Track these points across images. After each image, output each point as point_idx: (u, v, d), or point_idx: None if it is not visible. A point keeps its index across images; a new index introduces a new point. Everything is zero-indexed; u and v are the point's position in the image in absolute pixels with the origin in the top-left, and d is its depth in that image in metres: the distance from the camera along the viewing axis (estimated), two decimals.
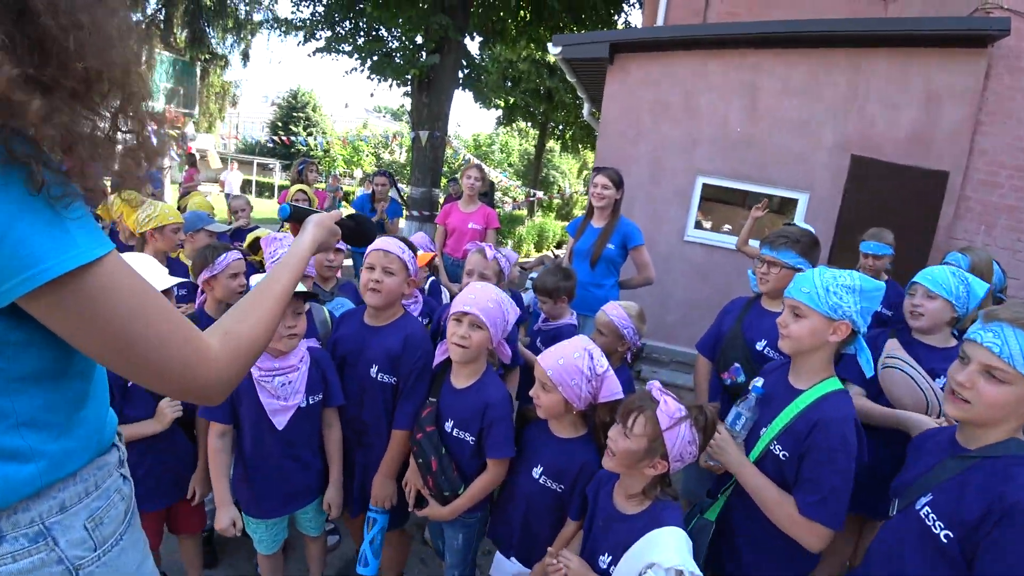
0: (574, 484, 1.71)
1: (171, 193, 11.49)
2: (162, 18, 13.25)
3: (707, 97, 5.64)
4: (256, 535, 2.04)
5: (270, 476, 1.93)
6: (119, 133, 0.77)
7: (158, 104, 12.08)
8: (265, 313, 0.97)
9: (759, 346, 2.19)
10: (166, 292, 1.97)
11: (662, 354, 6.05)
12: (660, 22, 6.89)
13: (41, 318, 0.71)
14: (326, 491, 2.04)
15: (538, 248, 15.60)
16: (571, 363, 1.63)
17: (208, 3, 13.43)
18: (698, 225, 5.96)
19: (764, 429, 1.63)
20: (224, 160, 16.18)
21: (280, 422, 1.89)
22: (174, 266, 2.93)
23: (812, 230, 3.22)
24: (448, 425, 1.85)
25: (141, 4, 13.23)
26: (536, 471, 1.76)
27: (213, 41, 14.23)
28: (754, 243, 5.50)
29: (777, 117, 5.46)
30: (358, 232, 1.49)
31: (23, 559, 0.77)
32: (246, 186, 17.09)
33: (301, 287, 1.88)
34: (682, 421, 1.41)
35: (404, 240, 2.09)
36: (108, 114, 0.75)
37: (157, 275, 1.94)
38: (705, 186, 5.82)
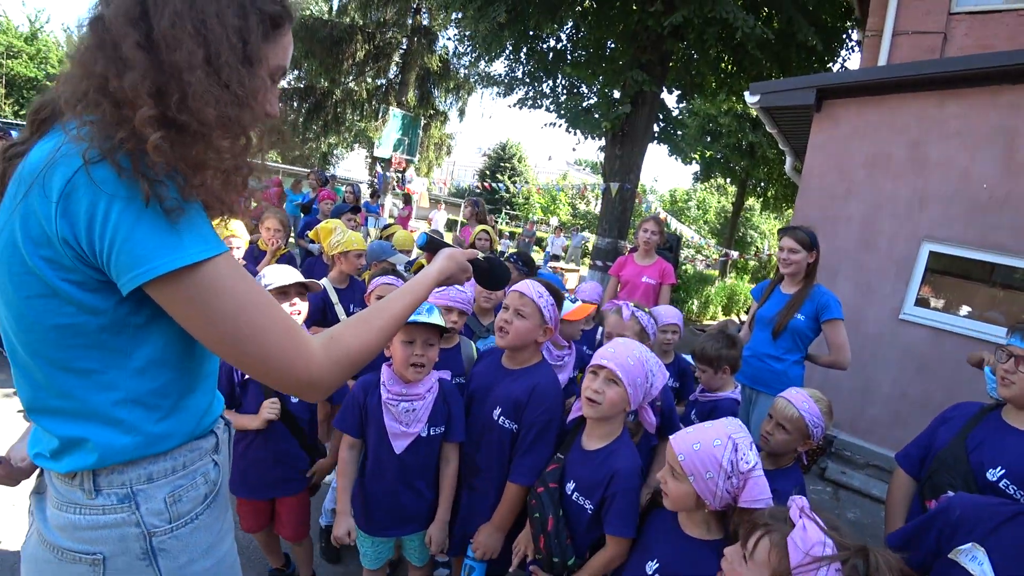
0: None
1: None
2: (398, 82, 15.78)
3: (942, 147, 4.62)
4: (362, 548, 2.10)
5: (382, 496, 1.98)
6: (234, 168, 0.88)
7: (387, 151, 14.23)
8: (374, 329, 1.01)
9: (992, 475, 1.59)
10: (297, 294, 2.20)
11: (857, 453, 4.97)
12: (882, 63, 5.96)
13: (162, 306, 0.83)
14: (431, 525, 2.02)
15: (726, 312, 14.40)
16: (709, 451, 1.34)
17: (435, 68, 15.64)
18: (921, 302, 4.86)
19: None
20: (437, 201, 18.35)
21: (399, 446, 1.93)
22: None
23: None
24: (569, 487, 1.71)
25: (383, 72, 16.07)
26: (650, 566, 1.47)
27: (436, 100, 16.53)
28: (995, 330, 4.31)
29: None
30: (489, 272, 1.46)
31: (110, 514, 0.89)
32: (451, 225, 19.05)
33: (439, 319, 1.92)
34: (825, 564, 1.02)
35: (549, 285, 2.01)
36: (227, 153, 0.86)
37: (288, 275, 2.18)
38: (933, 255, 4.74)
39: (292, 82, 17.29)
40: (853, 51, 8.96)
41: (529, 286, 1.93)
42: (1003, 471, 1.55)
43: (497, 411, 1.92)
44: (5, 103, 27.00)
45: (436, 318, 1.90)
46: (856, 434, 5.05)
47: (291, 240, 4.96)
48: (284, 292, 2.13)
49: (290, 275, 2.17)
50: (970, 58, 4.37)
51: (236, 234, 3.41)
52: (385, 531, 2.02)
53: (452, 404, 2.00)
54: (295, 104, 17.07)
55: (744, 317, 13.56)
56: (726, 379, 2.48)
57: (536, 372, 1.96)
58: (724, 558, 1.18)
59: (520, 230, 17.73)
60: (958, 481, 1.63)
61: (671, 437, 1.43)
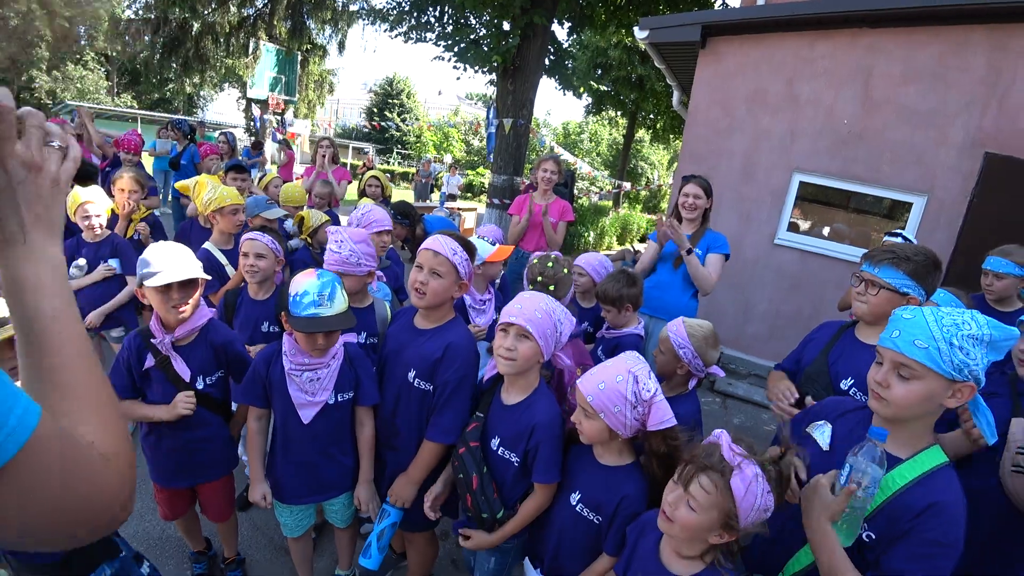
0: (613, 517, 1.54)
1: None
2: (267, 11, 14.09)
3: (812, 85, 5.03)
4: (282, 519, 2.10)
5: (295, 466, 1.97)
6: None
7: (262, 92, 12.88)
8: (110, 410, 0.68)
9: (844, 384, 1.84)
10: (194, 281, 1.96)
11: (740, 366, 5.59)
12: (761, 2, 6.27)
13: None
14: (356, 487, 2.04)
15: (620, 241, 15.12)
16: (613, 387, 1.45)
17: None
18: (792, 227, 5.41)
19: None
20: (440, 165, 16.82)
21: (306, 416, 1.91)
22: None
23: (914, 242, 2.77)
24: (494, 443, 1.74)
25: (250, 1, 14.18)
26: (574, 497, 1.61)
27: (313, 32, 14.99)
28: (852, 251, 4.93)
29: (895, 107, 4.74)
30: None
31: None
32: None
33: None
34: (759, 482, 1.19)
35: (460, 239, 1.94)
36: None
37: (189, 265, 1.93)
38: (803, 185, 5.25)
39: (140, 12, 14.58)
40: None
41: (442, 243, 1.86)
42: (852, 381, 1.82)
43: (412, 373, 1.90)
44: None
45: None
46: (739, 349, 5.66)
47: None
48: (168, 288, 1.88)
49: (182, 267, 1.89)
50: (838, 0, 4.69)
51: (92, 200, 3.00)
52: (302, 500, 2.02)
53: (359, 368, 1.98)
54: (146, 38, 14.69)
55: (639, 246, 14.36)
56: (630, 316, 2.61)
57: (448, 331, 1.93)
58: (665, 501, 1.29)
59: (415, 170, 17.07)
60: (821, 391, 1.88)
61: (578, 381, 1.53)
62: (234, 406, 2.23)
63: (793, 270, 5.36)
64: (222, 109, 34.03)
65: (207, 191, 2.94)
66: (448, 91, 53.41)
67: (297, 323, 1.79)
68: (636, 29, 5.63)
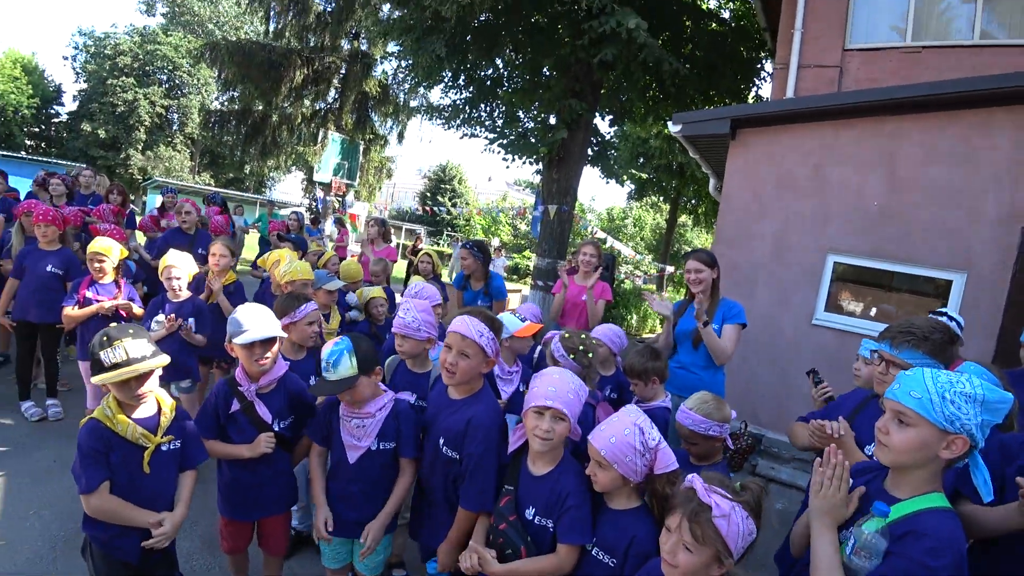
0: (625, 557, 1.64)
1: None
2: (336, 106, 15.78)
3: (839, 169, 5.24)
4: (324, 548, 2.24)
5: (339, 499, 2.16)
6: None
7: (327, 176, 14.13)
8: None
9: (867, 451, 1.92)
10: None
11: (783, 449, 5.41)
12: (790, 93, 6.64)
13: None
14: (371, 521, 2.13)
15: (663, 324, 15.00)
16: (622, 439, 1.63)
17: (374, 93, 15.76)
18: (833, 307, 5.41)
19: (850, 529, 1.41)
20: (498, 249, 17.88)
21: (352, 456, 2.12)
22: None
23: (961, 322, 2.79)
24: (529, 513, 1.83)
25: (322, 96, 16.01)
26: (589, 544, 1.73)
27: (376, 124, 16.62)
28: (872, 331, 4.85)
29: (925, 187, 4.86)
30: None
31: None
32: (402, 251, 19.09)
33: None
34: (737, 512, 1.33)
35: (487, 318, 2.13)
36: None
37: (261, 322, 2.19)
38: (838, 265, 5.31)
39: (227, 103, 16.82)
40: (766, 80, 9.84)
41: (469, 325, 2.02)
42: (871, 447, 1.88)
43: (441, 440, 2.07)
44: None
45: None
46: (780, 431, 5.49)
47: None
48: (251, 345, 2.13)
49: (265, 327, 2.17)
50: (858, 93, 5.01)
51: (176, 265, 3.43)
52: (339, 532, 2.15)
53: (403, 423, 2.16)
54: (232, 126, 16.64)
55: None
56: (656, 389, 2.72)
57: (474, 403, 2.06)
58: (663, 549, 1.41)
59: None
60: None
61: (590, 437, 1.70)
62: None
63: (833, 350, 5.29)
64: (287, 189, 37.07)
65: (284, 265, 3.37)
66: (497, 177, 56.21)
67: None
68: (670, 123, 6.06)
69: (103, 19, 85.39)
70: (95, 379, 1.81)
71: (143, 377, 1.84)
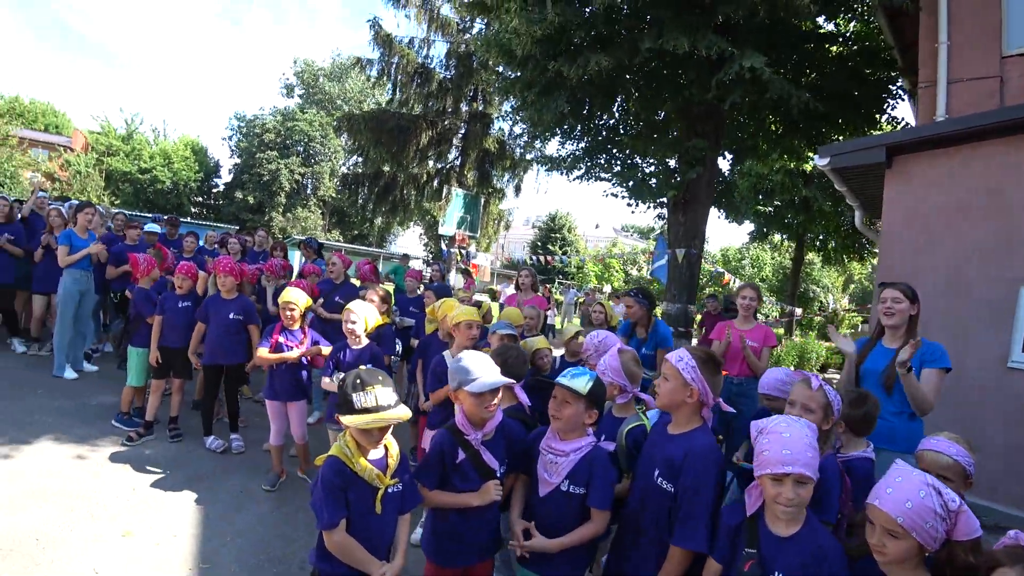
0: None
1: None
2: (459, 164, 16.98)
3: (1022, 191, 4.67)
4: None
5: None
6: None
7: (451, 229, 15.07)
8: None
9: None
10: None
11: (982, 515, 4.68)
12: (941, 112, 6.06)
13: None
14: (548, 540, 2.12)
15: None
16: (920, 503, 1.44)
17: (492, 149, 16.77)
18: None
19: None
20: (493, 275, 19.01)
21: (542, 491, 2.21)
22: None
23: None
24: None
25: (444, 155, 17.38)
26: None
27: (494, 178, 17.60)
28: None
29: None
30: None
31: None
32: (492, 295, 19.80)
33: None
34: None
35: (695, 351, 2.13)
36: None
37: (490, 369, 2.23)
38: None
39: (354, 167, 18.67)
40: (899, 100, 9.05)
41: (672, 353, 2.14)
42: None
43: (656, 472, 2.05)
44: (104, 194, 31.06)
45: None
46: (975, 494, 4.77)
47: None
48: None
49: (496, 375, 2.19)
50: None
51: (354, 311, 3.76)
52: (525, 563, 2.17)
53: (596, 470, 2.13)
54: (365, 187, 18.48)
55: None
56: (858, 439, 2.51)
57: (692, 437, 2.05)
58: None
59: (582, 299, 18.20)
60: None
61: (876, 503, 1.52)
62: None
63: None
64: (406, 243, 39.97)
65: (453, 311, 3.62)
66: (604, 223, 56.49)
67: None
68: (816, 157, 5.78)
69: (254, 102, 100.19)
70: (345, 419, 1.91)
71: (387, 427, 2.00)
